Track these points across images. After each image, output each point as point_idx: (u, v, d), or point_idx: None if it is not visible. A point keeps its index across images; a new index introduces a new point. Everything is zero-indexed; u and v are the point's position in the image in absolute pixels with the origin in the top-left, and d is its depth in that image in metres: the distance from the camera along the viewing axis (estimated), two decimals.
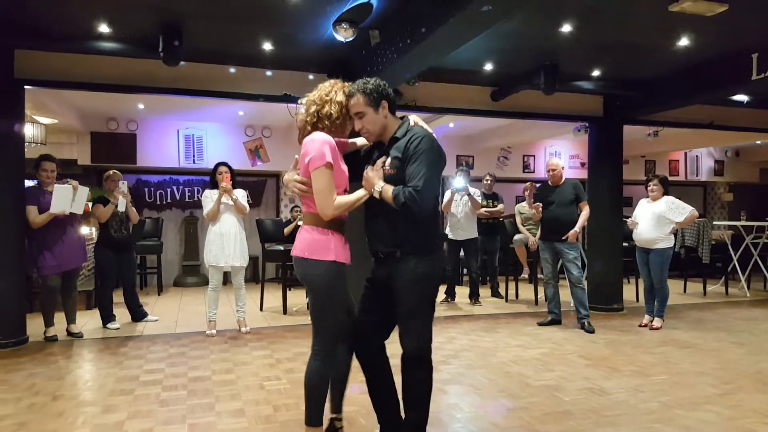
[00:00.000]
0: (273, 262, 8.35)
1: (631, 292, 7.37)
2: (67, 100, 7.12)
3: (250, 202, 6.74)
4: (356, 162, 2.67)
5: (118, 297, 5.78)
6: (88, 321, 5.75)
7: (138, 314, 5.85)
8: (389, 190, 2.41)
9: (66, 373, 4.12)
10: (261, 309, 6.60)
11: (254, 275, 9.15)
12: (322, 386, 2.49)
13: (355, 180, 2.61)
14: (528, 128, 8.80)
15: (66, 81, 5.21)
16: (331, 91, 2.51)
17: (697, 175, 11.71)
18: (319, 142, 2.42)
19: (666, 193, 5.65)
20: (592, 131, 7.06)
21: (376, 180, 2.45)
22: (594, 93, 6.58)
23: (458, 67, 5.61)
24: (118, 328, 5.49)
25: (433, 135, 2.54)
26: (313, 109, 2.51)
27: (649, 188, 5.69)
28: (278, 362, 4.32)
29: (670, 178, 6.48)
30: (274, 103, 5.90)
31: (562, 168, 5.78)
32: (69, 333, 5.18)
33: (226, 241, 5.23)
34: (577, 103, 6.69)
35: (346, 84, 2.56)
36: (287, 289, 6.62)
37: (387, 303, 2.53)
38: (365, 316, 2.62)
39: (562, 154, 10.77)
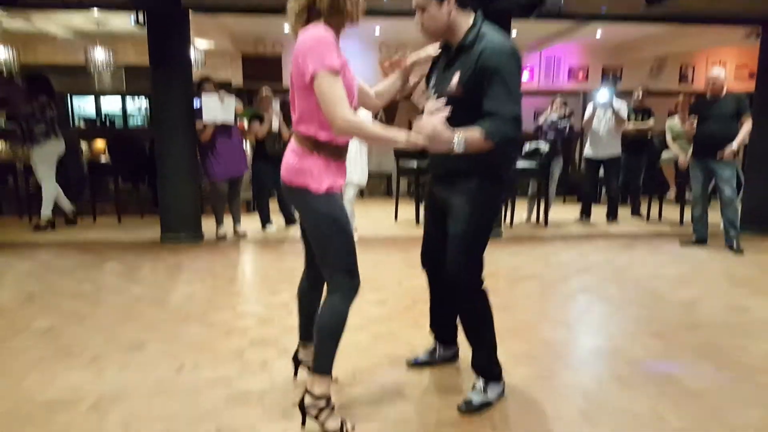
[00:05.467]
0: (406, 177, 8.69)
1: None
2: (222, 24, 7.75)
3: (382, 120, 6.97)
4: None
5: (272, 204, 6.48)
6: (249, 224, 6.55)
7: (290, 219, 6.54)
8: (473, 135, 1.92)
9: (237, 263, 4.86)
10: (396, 220, 7.03)
11: (388, 189, 9.62)
12: (338, 326, 2.05)
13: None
14: (687, 35, 7.94)
15: (223, 5, 5.69)
16: None
17: None
18: (316, 41, 1.87)
19: None
20: (765, 36, 6.23)
21: (445, 133, 1.89)
22: None
23: None
24: (274, 231, 6.24)
25: (508, 40, 2.06)
26: None
27: None
28: (412, 264, 4.68)
29: None
30: (409, 19, 5.97)
31: (724, 79, 5.25)
32: (235, 232, 5.98)
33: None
34: (748, 3, 5.91)
35: None
36: (419, 202, 6.94)
37: (444, 221, 2.27)
38: (427, 232, 2.50)
39: (727, 63, 9.62)
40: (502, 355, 2.35)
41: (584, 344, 2.99)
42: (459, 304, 2.32)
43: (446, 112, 1.89)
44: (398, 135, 1.91)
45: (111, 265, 4.67)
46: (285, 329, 3.15)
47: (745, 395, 2.38)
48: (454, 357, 2.72)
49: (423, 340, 2.99)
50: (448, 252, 2.21)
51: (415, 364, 2.67)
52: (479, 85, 1.99)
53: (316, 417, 2.05)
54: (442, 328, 2.65)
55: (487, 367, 2.34)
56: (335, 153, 2.03)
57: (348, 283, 2.06)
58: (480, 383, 2.31)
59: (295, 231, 6.27)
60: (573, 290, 3.99)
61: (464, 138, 1.90)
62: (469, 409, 2.24)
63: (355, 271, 2.09)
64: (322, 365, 2.05)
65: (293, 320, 3.27)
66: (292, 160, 2.02)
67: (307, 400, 2.06)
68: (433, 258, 2.46)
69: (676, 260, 4.92)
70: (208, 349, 2.87)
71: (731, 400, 2.34)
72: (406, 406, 2.29)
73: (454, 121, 1.91)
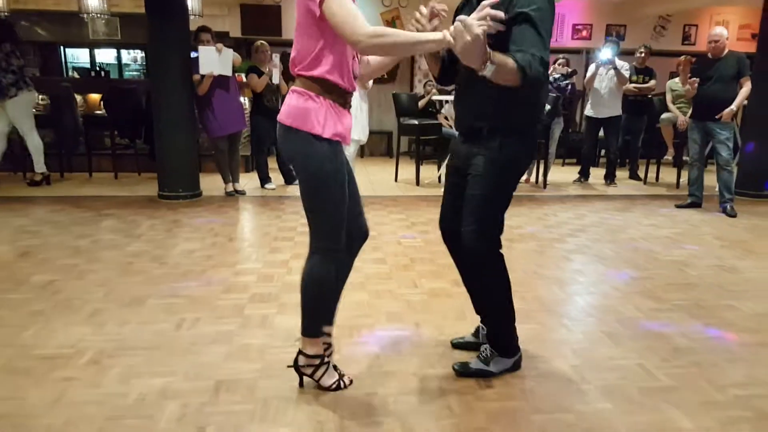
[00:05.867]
0: (407, 136, 8.61)
1: None
2: None
3: (384, 77, 6.82)
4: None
5: (271, 162, 6.46)
6: (247, 182, 6.54)
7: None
8: (507, 62, 1.72)
9: (236, 221, 4.87)
10: (396, 180, 7.02)
11: (388, 148, 9.56)
12: (320, 288, 2.00)
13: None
14: None
15: None
16: None
17: None
18: None
19: None
20: None
21: (484, 46, 1.63)
22: None
23: None
24: (274, 189, 6.24)
25: None
26: None
27: None
28: (413, 224, 4.72)
29: None
30: None
31: (726, 38, 5.18)
32: (235, 190, 5.98)
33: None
34: None
35: None
36: (420, 162, 6.92)
37: (464, 185, 2.09)
38: (447, 194, 2.27)
39: (730, 23, 9.46)
40: None
41: (578, 302, 3.04)
42: (472, 268, 2.21)
43: (498, 27, 1.65)
44: (429, 35, 1.74)
45: (108, 221, 4.68)
46: (284, 286, 3.19)
47: (732, 353, 2.45)
48: None
49: (420, 299, 3.04)
50: (464, 214, 2.07)
51: (458, 345, 2.45)
52: (509, 31, 1.82)
53: (312, 375, 2.07)
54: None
55: (498, 339, 2.21)
56: (343, 98, 1.90)
57: (330, 246, 1.95)
58: (486, 352, 2.21)
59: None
60: (568, 250, 4.03)
61: (497, 61, 1.69)
62: (462, 371, 2.21)
63: (339, 236, 1.94)
64: (310, 329, 2.04)
65: (292, 277, 3.33)
66: (295, 101, 1.87)
67: (301, 360, 2.06)
68: (451, 224, 2.21)
69: (671, 222, 4.97)
70: (207, 305, 2.91)
71: (718, 357, 2.40)
72: (404, 363, 2.34)
73: None
